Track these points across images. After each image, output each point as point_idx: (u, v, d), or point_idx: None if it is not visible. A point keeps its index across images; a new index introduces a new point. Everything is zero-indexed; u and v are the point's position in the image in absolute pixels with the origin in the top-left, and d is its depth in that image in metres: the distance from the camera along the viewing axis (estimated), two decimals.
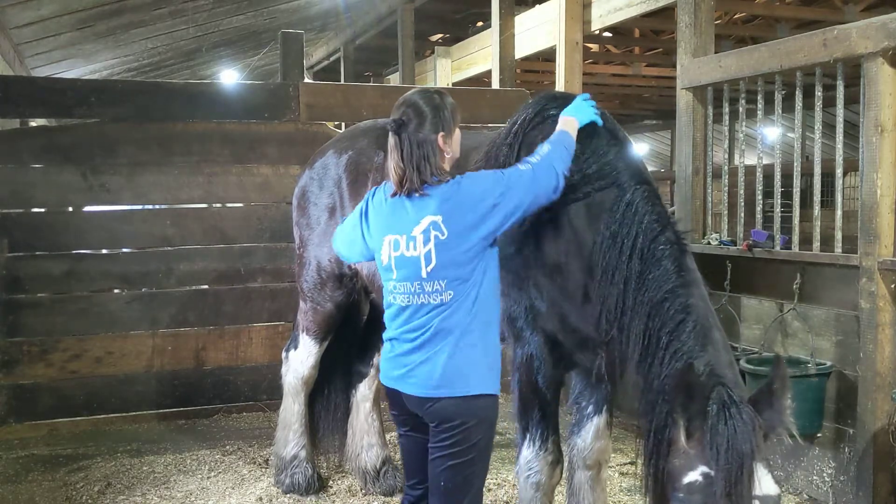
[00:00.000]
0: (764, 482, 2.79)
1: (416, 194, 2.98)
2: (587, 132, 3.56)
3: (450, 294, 2.96)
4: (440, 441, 3.01)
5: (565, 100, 3.76)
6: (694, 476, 2.82)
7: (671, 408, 2.90)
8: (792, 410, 2.93)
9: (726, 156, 6.75)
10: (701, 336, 3.09)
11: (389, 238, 3.04)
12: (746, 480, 2.73)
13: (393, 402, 3.17)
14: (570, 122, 3.39)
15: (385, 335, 3.18)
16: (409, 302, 3.02)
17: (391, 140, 3.03)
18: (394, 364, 3.10)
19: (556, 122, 3.57)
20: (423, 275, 2.96)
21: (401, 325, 3.06)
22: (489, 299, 3.05)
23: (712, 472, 2.76)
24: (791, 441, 2.94)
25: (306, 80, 10.47)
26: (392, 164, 3.02)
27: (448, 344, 2.97)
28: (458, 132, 3.12)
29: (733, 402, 2.82)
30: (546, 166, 3.11)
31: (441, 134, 3.01)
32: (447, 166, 3.09)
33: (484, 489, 4.95)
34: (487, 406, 3.05)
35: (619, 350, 3.34)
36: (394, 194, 3.06)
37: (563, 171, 3.16)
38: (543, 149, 3.20)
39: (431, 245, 2.95)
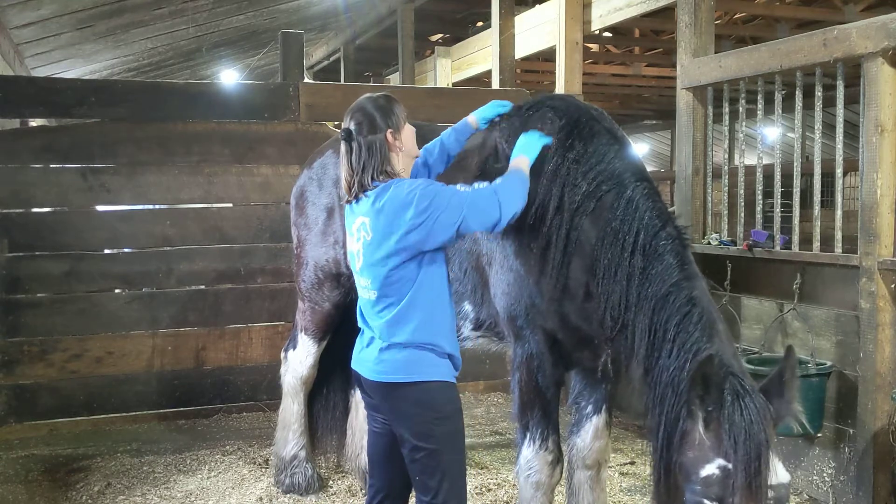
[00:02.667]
0: (776, 470, 2.82)
1: (361, 196, 3.07)
2: (588, 133, 3.56)
3: (374, 293, 3.07)
4: (400, 436, 3.10)
5: (562, 100, 3.78)
6: (711, 469, 2.82)
7: (687, 399, 2.91)
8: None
9: (726, 156, 6.74)
10: (708, 327, 3.11)
11: (348, 233, 3.19)
12: (764, 470, 2.75)
13: (360, 386, 3.26)
14: (521, 160, 3.35)
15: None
16: (359, 293, 3.18)
17: (342, 148, 3.11)
18: (358, 347, 3.23)
19: (553, 121, 3.58)
20: (358, 269, 3.13)
21: (360, 312, 3.21)
22: (431, 305, 3.07)
23: (729, 465, 2.77)
24: (798, 436, 2.97)
25: (306, 80, 10.47)
26: (343, 172, 3.12)
27: (386, 336, 3.06)
28: (409, 128, 3.17)
29: (746, 392, 2.84)
30: (488, 196, 3.05)
31: (389, 130, 3.08)
32: (401, 162, 3.14)
33: (484, 489, 4.98)
34: (435, 393, 3.08)
35: (623, 346, 3.34)
36: (347, 202, 3.15)
37: (509, 210, 3.09)
38: (496, 181, 3.15)
39: (361, 244, 3.08)
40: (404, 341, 3.04)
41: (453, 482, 3.09)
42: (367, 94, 3.20)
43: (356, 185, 3.06)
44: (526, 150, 3.41)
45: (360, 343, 3.22)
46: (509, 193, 3.11)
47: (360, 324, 3.23)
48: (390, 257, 2.99)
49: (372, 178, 3.04)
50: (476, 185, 3.12)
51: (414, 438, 3.05)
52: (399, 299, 3.02)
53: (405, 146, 3.14)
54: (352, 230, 3.14)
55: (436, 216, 2.94)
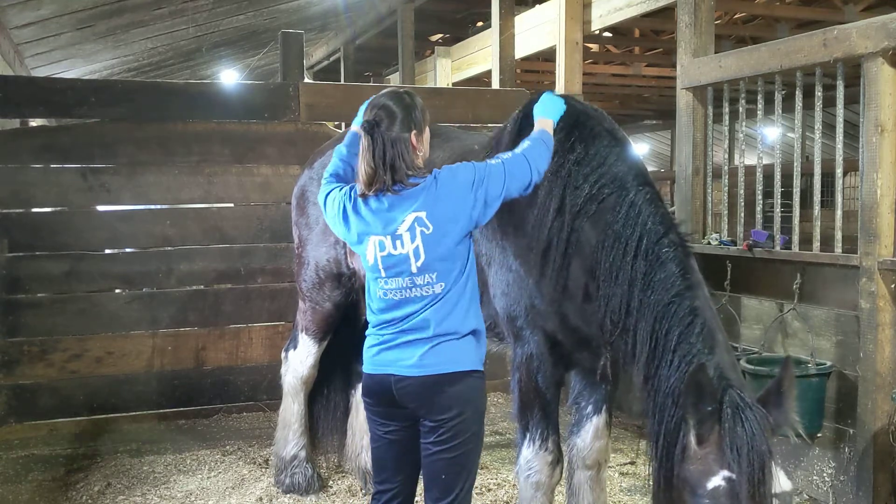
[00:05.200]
0: (779, 480, 2.83)
1: (390, 193, 2.99)
2: (590, 134, 3.56)
3: (441, 285, 3.01)
4: (438, 435, 3.03)
5: (563, 100, 3.78)
6: (717, 481, 2.81)
7: (683, 410, 2.91)
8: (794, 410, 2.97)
9: (726, 156, 6.74)
10: (709, 338, 3.11)
11: (374, 239, 3.03)
12: (768, 481, 2.76)
13: (378, 395, 3.12)
14: (546, 122, 3.49)
15: (373, 326, 3.15)
16: (401, 296, 3.03)
17: (363, 141, 3.02)
18: (386, 350, 3.08)
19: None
20: (414, 270, 2.99)
21: (394, 317, 3.06)
22: (475, 286, 3.13)
23: (734, 476, 2.77)
24: (797, 440, 2.98)
25: (306, 80, 10.47)
26: (363, 164, 3.02)
27: (442, 329, 3.01)
28: (428, 131, 3.15)
29: (746, 405, 2.84)
30: (520, 162, 3.16)
31: (414, 132, 3.04)
32: (421, 164, 3.10)
33: (484, 489, 4.98)
34: (477, 389, 3.08)
35: (622, 350, 3.34)
36: (362, 195, 3.05)
37: (539, 168, 3.22)
38: (523, 145, 3.27)
39: (419, 241, 2.98)
40: (470, 328, 3.05)
41: (472, 483, 3.11)
42: (392, 90, 3.16)
43: (379, 180, 2.98)
44: (547, 112, 3.52)
45: (384, 346, 3.08)
46: (537, 155, 3.23)
47: (387, 328, 3.08)
48: (460, 242, 3.02)
49: (406, 176, 2.98)
50: (501, 156, 3.18)
51: (455, 437, 3.01)
52: (463, 287, 3.04)
53: (424, 149, 3.11)
54: (395, 232, 2.98)
55: (485, 189, 3.03)
